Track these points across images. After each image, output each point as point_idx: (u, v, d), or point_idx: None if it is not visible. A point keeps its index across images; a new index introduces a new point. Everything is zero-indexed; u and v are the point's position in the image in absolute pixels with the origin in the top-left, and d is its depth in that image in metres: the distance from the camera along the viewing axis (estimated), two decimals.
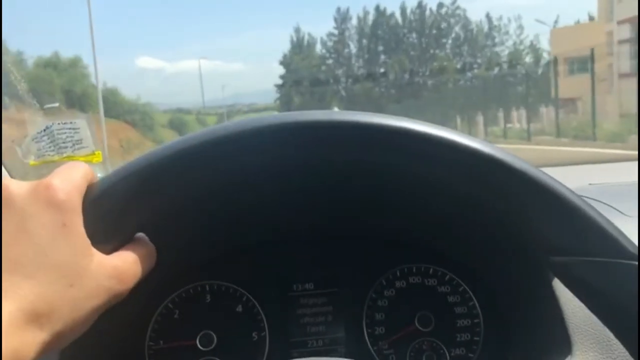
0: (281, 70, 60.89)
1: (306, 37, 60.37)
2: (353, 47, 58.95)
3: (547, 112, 18.00)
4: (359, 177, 0.49)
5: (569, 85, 18.36)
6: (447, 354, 0.66)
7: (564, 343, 0.50)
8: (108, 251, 0.41)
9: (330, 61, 58.97)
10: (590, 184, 1.06)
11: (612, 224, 0.39)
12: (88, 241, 0.38)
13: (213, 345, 0.66)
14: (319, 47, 60.22)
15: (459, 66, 51.88)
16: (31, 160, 0.82)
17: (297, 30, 60.51)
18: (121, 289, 0.40)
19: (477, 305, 0.68)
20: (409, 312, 0.68)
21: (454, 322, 0.68)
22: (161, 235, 0.46)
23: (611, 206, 0.76)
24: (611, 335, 0.47)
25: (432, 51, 54.48)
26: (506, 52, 50.97)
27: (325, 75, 57.58)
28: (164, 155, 0.41)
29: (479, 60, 52.44)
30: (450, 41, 54.30)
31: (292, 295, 0.68)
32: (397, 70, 53.60)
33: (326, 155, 0.41)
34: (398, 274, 0.69)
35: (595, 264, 0.38)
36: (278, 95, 61.41)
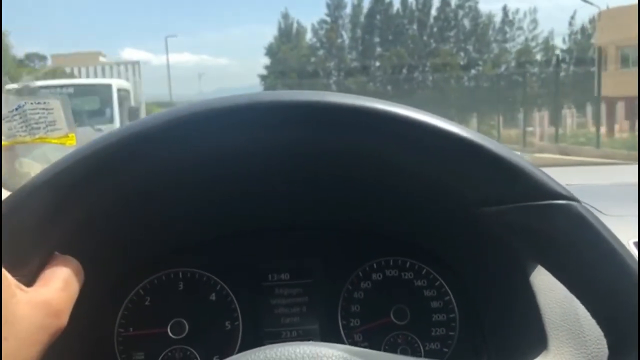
0: (267, 60, 61.04)
1: (295, 25, 60.50)
2: (346, 37, 59.16)
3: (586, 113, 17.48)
4: (327, 164, 0.53)
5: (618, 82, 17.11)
6: (422, 348, 0.72)
7: (540, 338, 0.55)
8: (30, 279, 0.40)
9: (321, 52, 59.06)
10: (567, 185, 1.15)
11: (539, 169, 0.44)
12: (11, 281, 0.37)
13: (185, 334, 0.70)
14: (309, 36, 60.40)
15: (463, 62, 52.30)
16: (2, 141, 0.88)
17: (285, 16, 60.62)
18: (59, 323, 0.40)
19: (453, 300, 0.74)
20: (385, 305, 0.73)
21: (430, 317, 0.73)
22: (117, 225, 0.48)
23: (588, 204, 0.81)
24: (586, 330, 0.52)
25: (434, 45, 54.81)
26: (517, 47, 51.47)
27: (315, 67, 57.63)
28: (110, 142, 0.43)
29: (490, 55, 52.89)
30: (456, 35, 54.62)
31: (267, 285, 0.74)
32: (394, 64, 53.89)
33: (292, 137, 0.44)
34: (375, 266, 0.75)
35: (527, 208, 0.43)
36: (262, 88, 61.43)
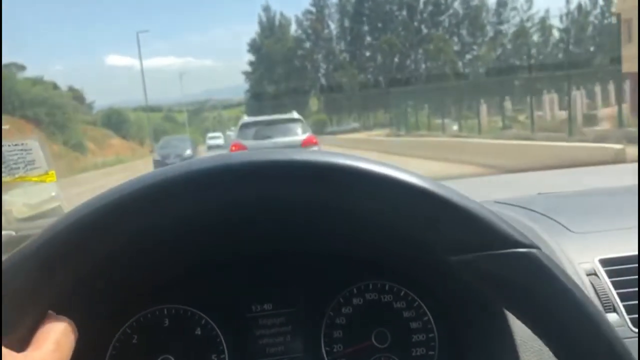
0: (251, 57, 60.91)
1: (278, 17, 60.37)
2: (334, 27, 59.08)
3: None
4: (302, 209, 0.56)
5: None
6: None
7: (512, 355, 0.62)
8: (22, 343, 0.42)
9: (307, 44, 58.97)
10: (539, 194, 1.22)
11: (501, 218, 0.47)
12: (5, 350, 0.39)
13: None
14: (293, 28, 60.27)
15: (457, 48, 52.38)
16: None
17: (267, 9, 60.42)
18: None
19: (431, 320, 0.79)
20: (366, 329, 0.78)
21: (410, 337, 0.78)
22: (108, 271, 0.52)
23: (556, 220, 0.88)
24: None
25: (426, 31, 54.85)
26: (512, 29, 51.54)
27: (301, 60, 57.60)
28: (100, 206, 0.47)
29: (485, 39, 52.96)
30: (449, 19, 54.65)
31: (251, 317, 0.79)
32: (385, 53, 53.94)
33: (267, 192, 0.49)
34: (355, 291, 0.80)
35: (489, 257, 0.46)
36: (248, 86, 61.37)
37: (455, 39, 53.88)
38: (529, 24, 50.63)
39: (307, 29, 58.62)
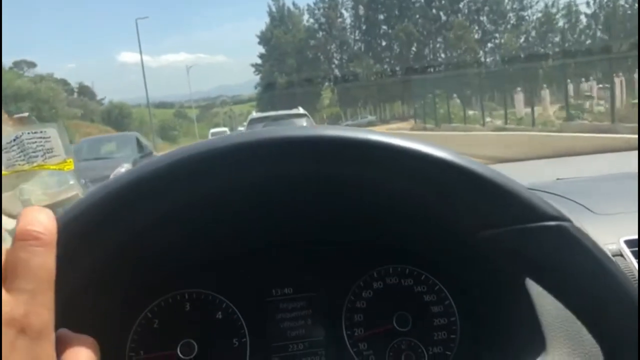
0: (261, 49, 60.85)
1: (288, 6, 60.22)
2: (348, 16, 58.87)
3: None
4: (322, 188, 0.59)
5: None
6: (425, 353, 0.79)
7: (538, 340, 0.61)
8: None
9: (320, 34, 58.82)
10: (558, 179, 1.24)
11: (531, 192, 0.48)
12: None
13: (194, 354, 0.78)
14: (305, 18, 60.13)
15: (478, 36, 51.95)
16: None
17: None
18: None
19: (452, 303, 0.81)
20: (387, 313, 0.81)
21: (431, 321, 0.81)
22: (132, 252, 0.54)
23: (578, 202, 0.91)
24: (583, 331, 0.56)
25: (444, 18, 54.49)
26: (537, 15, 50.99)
27: (314, 51, 57.47)
28: (129, 180, 0.48)
29: (507, 26, 52.47)
30: (468, 5, 54.17)
31: (272, 301, 0.82)
32: (402, 42, 53.64)
33: (286, 170, 0.50)
34: (375, 275, 0.83)
35: (520, 231, 0.47)
36: (258, 79, 61.38)
37: (476, 26, 53.40)
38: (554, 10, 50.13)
39: (319, 18, 58.46)
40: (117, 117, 45.26)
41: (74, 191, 1.04)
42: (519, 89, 21.39)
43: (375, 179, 0.50)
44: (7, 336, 0.38)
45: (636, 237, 0.77)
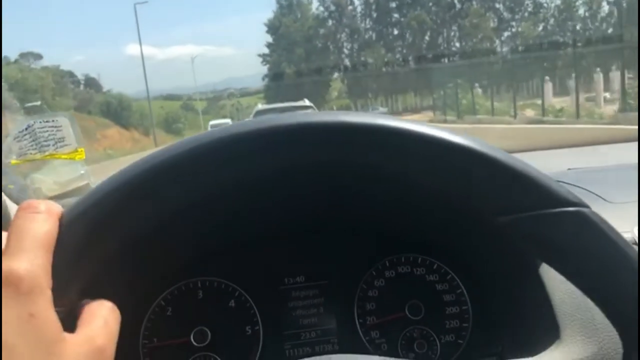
0: (269, 38, 60.84)
1: None
2: (358, 3, 58.77)
3: None
4: (337, 177, 0.61)
5: None
6: (438, 341, 0.82)
7: (552, 328, 0.63)
8: (71, 318, 0.46)
9: (330, 22, 58.81)
10: (569, 169, 1.27)
11: (549, 177, 0.50)
12: (58, 324, 0.43)
13: (207, 341, 0.81)
14: (315, 5, 60.09)
15: (493, 24, 51.66)
16: (12, 159, 1.02)
17: None
18: (104, 358, 0.45)
19: (464, 292, 0.84)
20: (399, 302, 0.84)
21: (443, 310, 0.84)
22: (146, 244, 0.55)
23: (590, 191, 0.93)
24: (597, 319, 0.59)
25: (459, 5, 54.24)
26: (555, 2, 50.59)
27: (323, 40, 57.44)
28: (145, 169, 0.50)
29: (524, 14, 52.16)
30: None
31: (284, 289, 0.85)
32: (415, 30, 53.46)
33: (298, 157, 0.52)
34: (387, 264, 0.86)
35: (539, 217, 0.49)
36: (266, 70, 61.38)
37: (492, 13, 53.09)
38: None
39: (329, 5, 58.43)
40: (116, 109, 45.00)
41: (85, 180, 1.07)
42: (547, 78, 20.37)
43: (392, 166, 0.51)
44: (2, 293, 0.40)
45: None
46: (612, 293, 0.48)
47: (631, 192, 0.93)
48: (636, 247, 0.44)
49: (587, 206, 0.49)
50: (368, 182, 0.62)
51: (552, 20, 49.65)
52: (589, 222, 0.48)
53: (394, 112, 45.72)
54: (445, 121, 22.39)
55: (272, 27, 59.90)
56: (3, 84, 1.13)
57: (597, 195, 0.91)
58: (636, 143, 1.82)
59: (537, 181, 0.49)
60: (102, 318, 0.48)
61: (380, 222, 0.83)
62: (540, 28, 49.95)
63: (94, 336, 0.45)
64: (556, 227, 0.49)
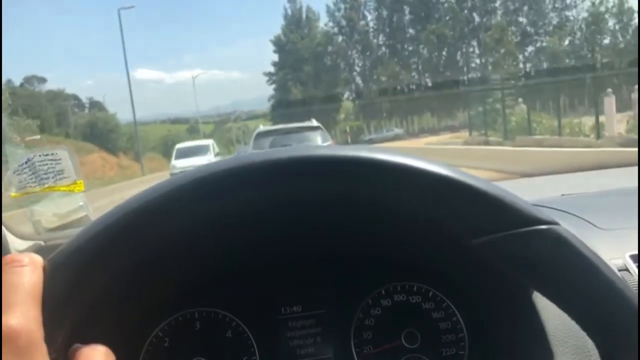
0: (274, 56, 61.20)
1: (305, 8, 60.57)
2: (370, 18, 58.98)
3: None
4: (327, 207, 0.66)
5: None
6: None
7: (546, 353, 0.70)
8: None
9: (340, 38, 59.03)
10: (562, 195, 1.34)
11: (520, 198, 0.55)
12: None
13: None
14: (324, 20, 60.39)
15: (517, 38, 51.73)
16: (12, 193, 1.10)
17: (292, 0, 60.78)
18: None
19: (460, 320, 0.90)
20: (396, 330, 0.90)
21: (439, 338, 0.90)
22: (141, 275, 0.60)
23: (583, 218, 0.99)
24: (589, 344, 0.66)
25: (478, 19, 54.43)
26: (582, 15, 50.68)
27: (333, 58, 57.62)
28: (141, 204, 0.55)
29: (549, 28, 52.20)
30: (504, 4, 54.00)
31: (281, 319, 0.91)
32: (431, 46, 53.56)
33: (293, 190, 0.57)
34: (383, 292, 0.92)
35: (512, 236, 0.53)
36: (271, 88, 61.69)
37: (514, 27, 53.15)
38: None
39: (339, 20, 58.57)
40: (101, 131, 44.35)
41: (84, 212, 1.15)
42: (609, 90, 16.64)
43: (363, 194, 0.56)
44: None
45: None
46: (584, 307, 0.53)
47: (623, 218, 0.99)
48: (628, 274, 0.59)
49: (557, 223, 0.53)
50: (357, 213, 0.66)
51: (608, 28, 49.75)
52: (561, 239, 0.53)
53: (410, 133, 45.77)
54: (487, 142, 19.55)
55: (279, 44, 60.24)
56: (3, 113, 1.22)
57: (588, 222, 0.98)
58: None
59: (508, 203, 0.54)
60: None
61: (375, 250, 0.89)
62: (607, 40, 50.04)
63: None
64: (529, 245, 0.53)
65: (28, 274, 0.48)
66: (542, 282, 0.55)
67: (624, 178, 1.61)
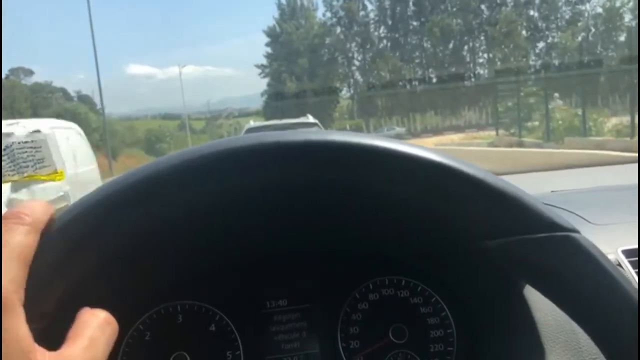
0: (267, 48, 61.04)
1: None
2: (371, 8, 58.82)
3: None
4: (320, 195, 0.68)
5: None
6: None
7: (537, 350, 0.73)
8: (57, 337, 0.49)
9: (338, 30, 58.82)
10: (552, 192, 1.39)
11: (538, 200, 0.55)
12: (30, 341, 0.45)
13: None
14: (321, 11, 60.24)
15: (526, 33, 51.70)
16: None
17: None
18: None
19: (449, 315, 0.93)
20: (383, 325, 0.93)
21: (428, 333, 0.93)
22: (125, 264, 0.63)
23: (574, 213, 1.04)
24: (581, 341, 0.69)
25: (487, 12, 54.33)
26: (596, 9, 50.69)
27: (331, 50, 57.45)
28: (125, 185, 0.56)
29: (560, 22, 52.25)
30: None
31: (266, 313, 0.94)
32: (435, 39, 53.44)
33: (285, 175, 0.58)
34: (371, 286, 0.95)
35: (527, 241, 0.54)
36: (265, 81, 61.59)
37: (524, 22, 53.06)
38: None
39: (337, 10, 58.21)
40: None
41: (65, 202, 1.19)
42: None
43: (380, 187, 0.57)
44: None
45: (634, 246, 0.90)
46: (597, 316, 0.53)
47: (614, 213, 1.04)
48: (620, 269, 0.56)
49: (577, 231, 0.54)
50: (351, 204, 0.68)
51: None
52: (579, 247, 0.53)
53: (412, 133, 45.73)
54: (521, 144, 16.57)
55: (272, 35, 60.02)
56: None
57: (581, 217, 1.02)
58: None
59: (526, 205, 0.54)
60: (87, 338, 0.49)
61: (364, 244, 0.92)
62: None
63: (72, 358, 0.47)
64: (545, 252, 0.53)
65: (22, 233, 0.48)
66: (554, 290, 0.56)
67: None
